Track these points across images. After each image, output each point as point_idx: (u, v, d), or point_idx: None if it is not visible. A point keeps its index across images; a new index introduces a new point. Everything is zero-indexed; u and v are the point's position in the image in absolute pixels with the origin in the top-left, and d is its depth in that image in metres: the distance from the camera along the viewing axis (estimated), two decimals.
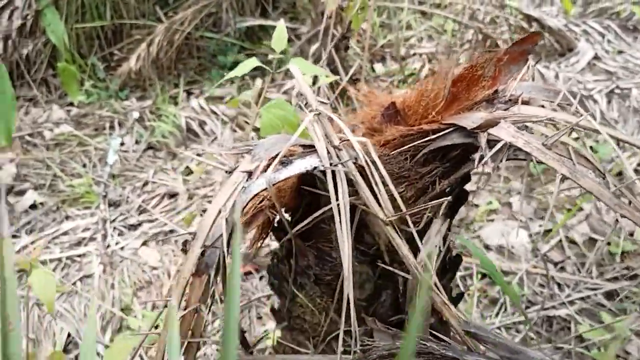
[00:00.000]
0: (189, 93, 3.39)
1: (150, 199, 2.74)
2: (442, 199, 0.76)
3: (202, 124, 3.06)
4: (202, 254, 0.79)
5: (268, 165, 0.76)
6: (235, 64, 3.35)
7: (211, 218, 0.79)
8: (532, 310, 2.12)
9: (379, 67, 3.25)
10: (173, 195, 2.75)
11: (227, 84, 3.40)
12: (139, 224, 2.62)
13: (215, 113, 3.08)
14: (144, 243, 2.54)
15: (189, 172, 2.87)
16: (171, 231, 2.58)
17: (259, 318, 2.20)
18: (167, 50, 3.18)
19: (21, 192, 2.86)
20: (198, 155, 2.96)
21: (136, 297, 2.31)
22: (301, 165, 0.74)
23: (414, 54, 3.37)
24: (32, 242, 2.50)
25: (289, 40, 3.36)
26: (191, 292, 0.92)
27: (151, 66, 3.23)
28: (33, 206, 2.78)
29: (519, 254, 2.35)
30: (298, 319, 1.05)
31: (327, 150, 0.74)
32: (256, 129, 2.96)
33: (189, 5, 3.28)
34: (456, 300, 1.13)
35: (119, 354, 0.95)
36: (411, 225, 0.74)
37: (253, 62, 1.29)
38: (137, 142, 3.11)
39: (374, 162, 0.72)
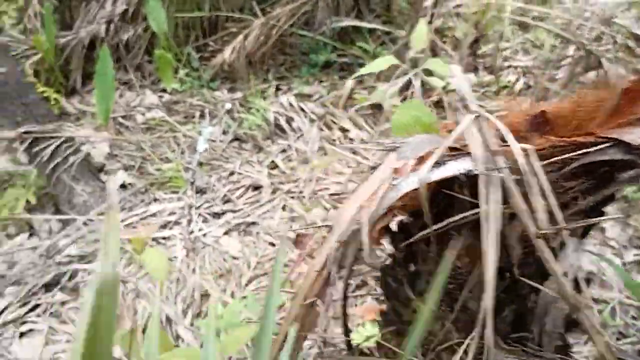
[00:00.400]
0: (277, 88, 3.42)
1: (235, 189, 2.77)
2: (604, 217, 0.72)
3: (289, 120, 3.07)
4: (338, 248, 0.77)
5: (416, 165, 0.74)
6: (326, 63, 3.37)
7: (351, 212, 0.77)
8: (623, 343, 2.01)
9: (470, 77, 3.18)
10: (257, 188, 2.78)
11: (316, 82, 3.41)
12: (223, 213, 2.66)
13: (303, 110, 3.10)
14: (226, 232, 2.58)
15: (274, 166, 2.89)
16: (253, 223, 2.61)
17: (336, 318, 2.18)
18: (262, 45, 3.22)
19: (112, 172, 2.95)
20: (283, 151, 2.98)
21: (217, 284, 2.34)
22: (455, 168, 0.72)
23: (509, 67, 3.28)
24: (122, 221, 2.58)
25: (383, 43, 3.35)
26: (310, 286, 0.91)
27: (244, 59, 3.28)
28: (122, 186, 2.86)
29: (611, 282, 2.24)
30: (409, 324, 1.02)
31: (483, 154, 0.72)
32: (344, 130, 2.96)
33: (287, 3, 3.31)
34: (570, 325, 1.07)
35: (236, 342, 0.95)
36: (568, 239, 0.71)
37: (389, 59, 1.27)
38: (224, 133, 3.17)
39: (535, 172, 0.69)
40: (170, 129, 3.24)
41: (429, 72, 2.57)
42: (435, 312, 0.97)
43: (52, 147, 2.53)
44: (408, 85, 2.78)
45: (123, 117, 3.38)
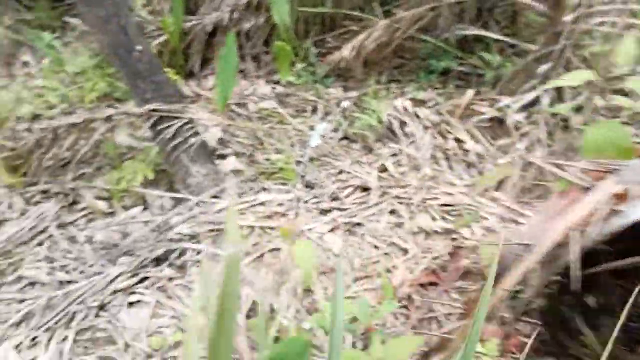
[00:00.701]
0: (390, 91, 3.38)
1: (344, 188, 2.76)
2: None
3: (403, 124, 3.03)
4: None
5: None
6: (444, 71, 3.29)
7: (557, 233, 0.72)
8: None
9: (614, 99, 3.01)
10: (366, 189, 2.75)
11: (430, 89, 3.35)
12: (330, 210, 2.65)
13: (417, 116, 3.04)
14: (332, 230, 2.56)
15: (384, 169, 2.86)
16: (359, 224, 2.58)
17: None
18: (383, 47, 3.19)
19: (223, 157, 3.01)
20: (394, 155, 2.93)
21: (319, 281, 2.32)
22: None
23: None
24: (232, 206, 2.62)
25: (507, 56, 3.24)
26: (495, 303, 0.87)
27: (363, 59, 3.27)
28: (233, 172, 2.91)
29: None
30: (573, 358, 0.96)
31: None
32: (459, 140, 2.89)
33: (410, 7, 3.26)
34: None
35: (400, 353, 0.92)
36: None
37: (587, 74, 1.20)
38: (335, 131, 3.16)
39: None
40: (281, 121, 3.27)
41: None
42: (612, 351, 0.91)
43: (176, 127, 2.60)
44: (535, 101, 2.68)
45: (236, 104, 3.45)
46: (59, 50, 3.70)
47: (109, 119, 2.67)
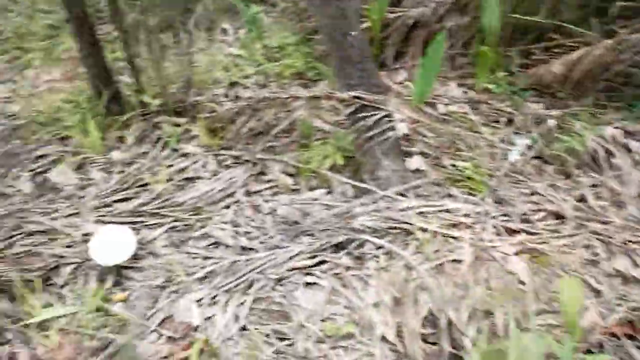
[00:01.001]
0: (593, 116, 3.12)
1: (536, 210, 2.59)
2: None
3: (609, 154, 2.78)
4: None
5: None
6: None
7: None
8: None
9: None
10: (559, 217, 2.56)
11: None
12: (518, 232, 2.50)
13: (627, 148, 2.78)
14: (517, 253, 2.41)
15: (581, 198, 2.64)
16: (547, 253, 2.41)
17: None
18: (602, 68, 2.95)
19: (408, 154, 2.94)
20: (594, 185, 2.71)
21: (500, 305, 2.19)
22: None
23: None
24: (417, 206, 2.55)
25: None
26: None
27: (573, 78, 3.05)
28: (417, 171, 2.84)
29: None
30: None
31: None
32: None
33: (635, 31, 2.98)
34: None
35: None
36: None
37: None
38: (528, 148, 2.98)
39: None
40: (471, 127, 3.14)
41: None
42: None
43: (375, 118, 2.58)
44: None
45: (425, 103, 3.36)
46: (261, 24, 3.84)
47: (311, 98, 2.70)
